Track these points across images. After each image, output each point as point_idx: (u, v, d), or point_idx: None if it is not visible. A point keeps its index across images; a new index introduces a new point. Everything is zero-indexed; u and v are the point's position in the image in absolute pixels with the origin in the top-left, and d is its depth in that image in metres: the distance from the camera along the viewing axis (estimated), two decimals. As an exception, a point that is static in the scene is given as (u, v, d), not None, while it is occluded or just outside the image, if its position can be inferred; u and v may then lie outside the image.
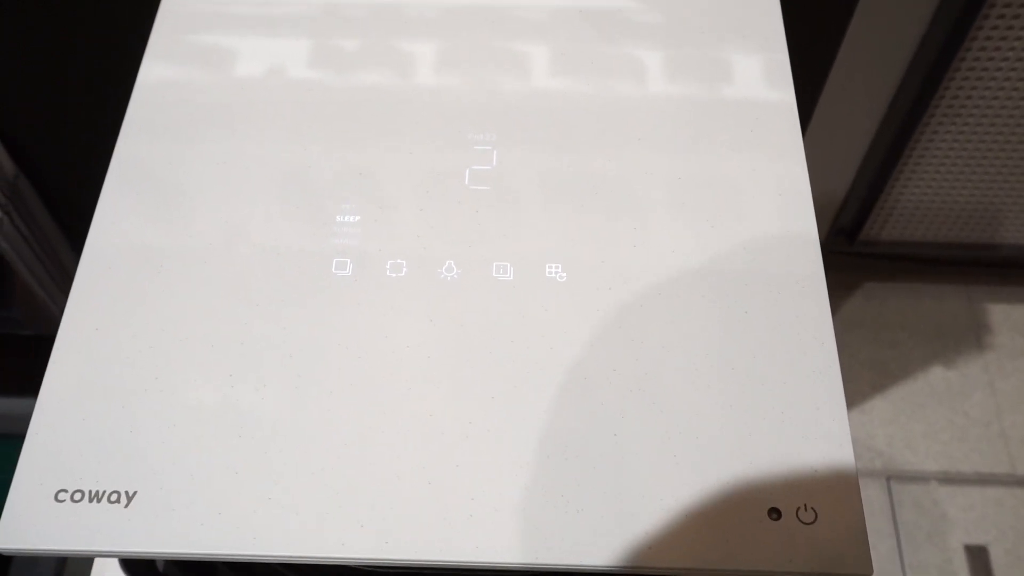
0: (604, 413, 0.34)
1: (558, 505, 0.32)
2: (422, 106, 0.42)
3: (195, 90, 0.43)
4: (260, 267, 0.38)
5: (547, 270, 0.38)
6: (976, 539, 1.14)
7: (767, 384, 0.35)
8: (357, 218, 0.39)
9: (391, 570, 0.36)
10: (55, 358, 0.36)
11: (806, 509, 0.32)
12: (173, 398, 0.35)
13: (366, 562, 0.32)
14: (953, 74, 0.93)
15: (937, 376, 1.26)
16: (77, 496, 0.33)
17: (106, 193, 0.39)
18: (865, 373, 1.26)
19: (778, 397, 0.35)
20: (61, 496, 0.33)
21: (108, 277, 0.38)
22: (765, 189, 0.40)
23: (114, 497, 0.33)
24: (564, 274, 0.38)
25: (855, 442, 1.20)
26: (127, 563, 0.39)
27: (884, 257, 1.25)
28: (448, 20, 0.45)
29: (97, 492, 0.33)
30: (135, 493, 0.33)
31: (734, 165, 0.40)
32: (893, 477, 1.19)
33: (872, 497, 1.18)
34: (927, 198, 1.12)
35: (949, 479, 1.19)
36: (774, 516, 0.32)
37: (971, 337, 1.28)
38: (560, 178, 0.40)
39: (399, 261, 0.38)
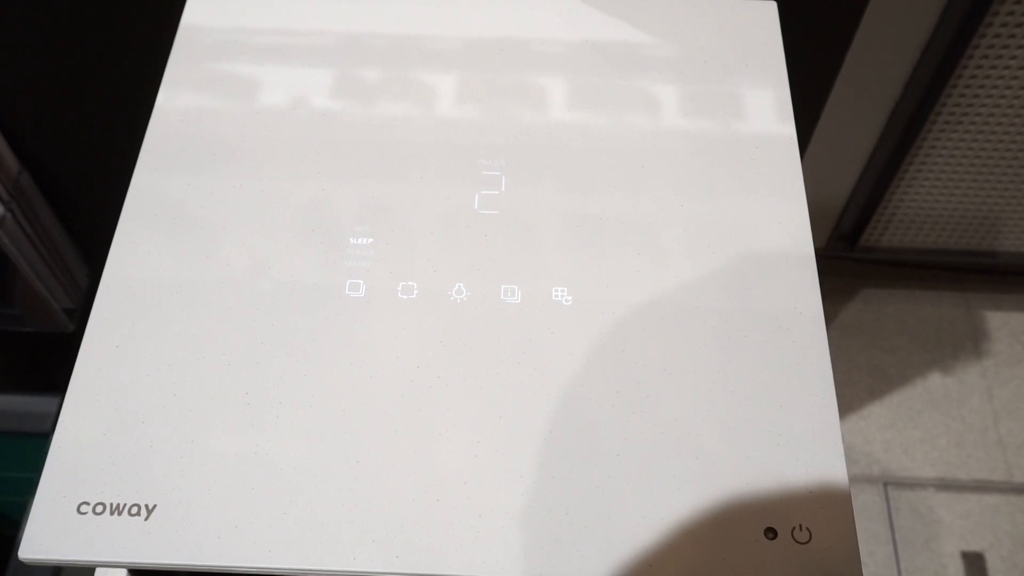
0: (607, 433, 0.36)
1: (562, 523, 0.34)
2: (435, 134, 0.44)
3: (212, 118, 0.44)
4: (275, 289, 0.39)
5: (553, 293, 0.39)
6: (972, 546, 1.15)
7: (764, 409, 0.36)
8: (370, 240, 0.40)
9: None
10: (77, 374, 0.37)
11: (801, 529, 0.34)
12: (191, 415, 0.36)
13: None
14: (955, 82, 0.94)
15: (935, 382, 1.27)
16: (99, 509, 0.34)
17: (125, 219, 0.41)
18: (863, 378, 1.27)
19: (775, 422, 0.36)
20: (83, 509, 0.34)
21: (128, 299, 0.39)
22: (765, 220, 0.41)
23: (134, 510, 0.34)
24: (570, 298, 0.39)
25: (852, 447, 1.21)
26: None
27: (884, 263, 1.26)
28: (466, 53, 0.46)
29: (118, 505, 0.34)
30: (155, 506, 0.34)
31: (735, 196, 0.42)
32: (890, 483, 1.20)
33: (869, 503, 1.19)
34: (927, 205, 1.12)
35: (946, 485, 1.20)
36: (770, 536, 0.34)
37: (969, 344, 1.29)
38: (567, 205, 0.42)
39: (410, 283, 0.39)
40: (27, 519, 0.63)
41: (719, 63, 0.46)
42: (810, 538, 0.34)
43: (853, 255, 1.21)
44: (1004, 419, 1.24)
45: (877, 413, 1.24)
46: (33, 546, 0.33)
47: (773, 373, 0.37)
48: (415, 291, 0.39)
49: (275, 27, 0.47)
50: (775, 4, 0.48)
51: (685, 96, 0.45)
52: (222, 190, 0.42)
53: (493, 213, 0.41)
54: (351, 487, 0.34)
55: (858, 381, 1.26)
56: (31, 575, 0.71)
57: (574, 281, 0.39)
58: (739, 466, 0.35)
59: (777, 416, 0.36)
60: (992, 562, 1.13)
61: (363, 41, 0.47)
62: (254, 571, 0.33)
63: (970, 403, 1.25)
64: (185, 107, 0.45)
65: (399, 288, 0.39)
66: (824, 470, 0.35)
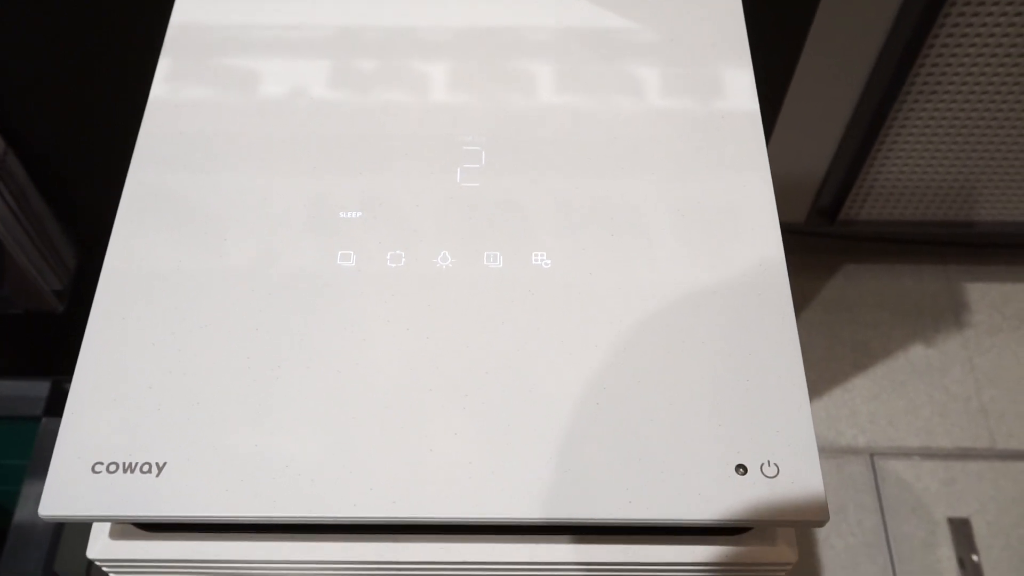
0: (588, 384, 0.38)
1: (546, 466, 0.36)
2: (421, 118, 0.46)
3: (203, 107, 0.47)
4: (270, 261, 0.41)
5: (533, 258, 0.42)
6: (958, 512, 1.17)
7: (735, 357, 0.39)
8: (359, 214, 0.43)
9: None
10: (87, 343, 0.39)
11: (769, 464, 0.36)
12: (195, 379, 0.38)
13: (375, 521, 0.36)
14: (927, 51, 0.95)
15: (917, 354, 1.29)
16: (112, 468, 0.36)
17: (125, 203, 0.43)
18: (847, 352, 1.29)
19: (745, 369, 0.38)
20: (97, 468, 0.36)
21: (132, 277, 0.41)
22: (732, 188, 0.43)
23: (146, 468, 0.36)
24: (549, 261, 0.41)
25: (838, 420, 1.24)
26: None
27: (864, 238, 1.28)
28: (450, 42, 0.48)
29: (130, 464, 0.36)
30: (165, 464, 0.36)
31: (701, 168, 0.44)
32: (876, 453, 1.22)
33: (856, 473, 1.21)
34: (904, 176, 1.14)
35: (931, 454, 1.22)
36: (740, 471, 0.36)
37: (950, 315, 1.32)
38: (545, 178, 0.44)
39: (398, 252, 0.42)
40: (18, 506, 0.65)
41: (687, 45, 0.48)
42: (778, 472, 0.36)
43: (833, 230, 1.23)
44: (986, 388, 1.26)
45: (861, 386, 1.27)
46: (51, 504, 0.36)
47: (744, 329, 0.39)
48: (403, 259, 0.42)
49: (264, 22, 0.49)
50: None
51: (656, 78, 0.47)
52: (217, 172, 0.44)
53: (474, 186, 0.44)
54: (349, 440, 0.37)
55: (842, 356, 1.29)
56: (23, 568, 0.71)
57: (552, 246, 0.42)
58: (712, 411, 0.37)
59: (747, 365, 0.38)
60: (978, 527, 1.16)
61: (354, 33, 0.49)
62: (261, 520, 0.36)
63: (952, 373, 1.27)
64: (178, 98, 0.47)
65: (388, 257, 0.42)
66: (789, 412, 0.37)
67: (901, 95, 1.00)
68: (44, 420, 0.79)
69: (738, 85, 0.47)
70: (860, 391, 1.27)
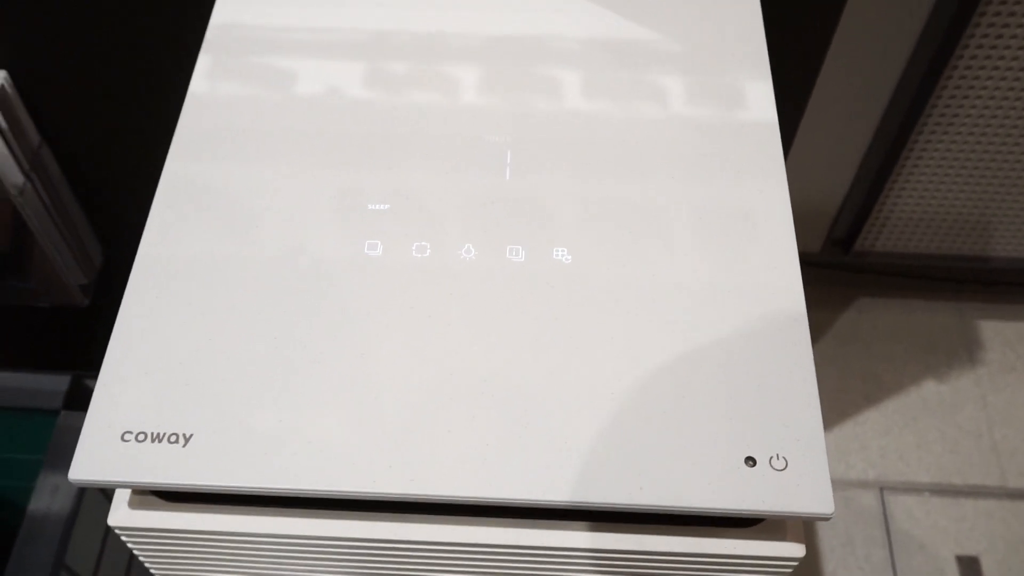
0: (603, 375, 0.39)
1: (559, 452, 0.37)
2: (450, 117, 0.48)
3: (240, 103, 0.48)
4: (300, 248, 0.43)
5: (554, 253, 0.43)
6: (967, 550, 1.17)
7: (747, 354, 0.40)
8: (387, 207, 0.44)
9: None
10: (121, 319, 0.41)
11: (778, 458, 0.37)
12: (224, 356, 0.40)
13: (392, 497, 0.37)
14: (946, 81, 0.96)
15: (930, 389, 1.29)
16: (140, 437, 0.37)
17: (161, 192, 0.45)
18: (859, 385, 1.29)
19: (757, 366, 0.39)
20: (127, 437, 0.37)
21: (166, 260, 0.43)
22: (747, 195, 0.45)
23: (173, 439, 0.37)
24: (569, 257, 0.43)
25: (849, 453, 1.24)
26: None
27: (879, 270, 1.29)
28: (479, 48, 0.50)
29: (158, 434, 0.38)
30: (191, 436, 0.37)
31: (718, 174, 0.46)
32: (886, 488, 1.22)
33: (865, 507, 1.21)
34: (921, 208, 1.14)
35: (941, 490, 1.22)
36: (750, 463, 0.37)
37: (963, 352, 1.32)
38: (568, 177, 0.45)
39: (423, 243, 0.43)
40: (33, 497, 0.65)
41: (708, 56, 0.50)
42: (786, 466, 0.37)
43: (848, 260, 1.23)
44: (998, 425, 1.26)
45: (873, 419, 1.27)
46: (81, 469, 0.37)
47: (754, 323, 0.41)
48: (427, 250, 0.43)
49: (301, 24, 0.51)
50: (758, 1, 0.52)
51: (678, 86, 0.49)
52: (250, 163, 0.46)
53: (499, 183, 0.45)
54: (370, 420, 0.38)
55: (854, 388, 1.29)
56: (34, 559, 0.72)
57: (573, 243, 0.43)
58: (723, 403, 0.38)
59: (761, 363, 0.40)
60: (987, 566, 1.15)
61: (387, 37, 0.51)
62: (281, 492, 0.37)
63: (965, 410, 1.27)
64: (216, 94, 0.49)
65: (413, 248, 0.43)
66: (799, 408, 0.38)
67: (919, 125, 1.01)
68: (63, 414, 0.79)
69: (757, 95, 0.48)
70: (871, 424, 1.27)
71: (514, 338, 0.40)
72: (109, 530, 0.77)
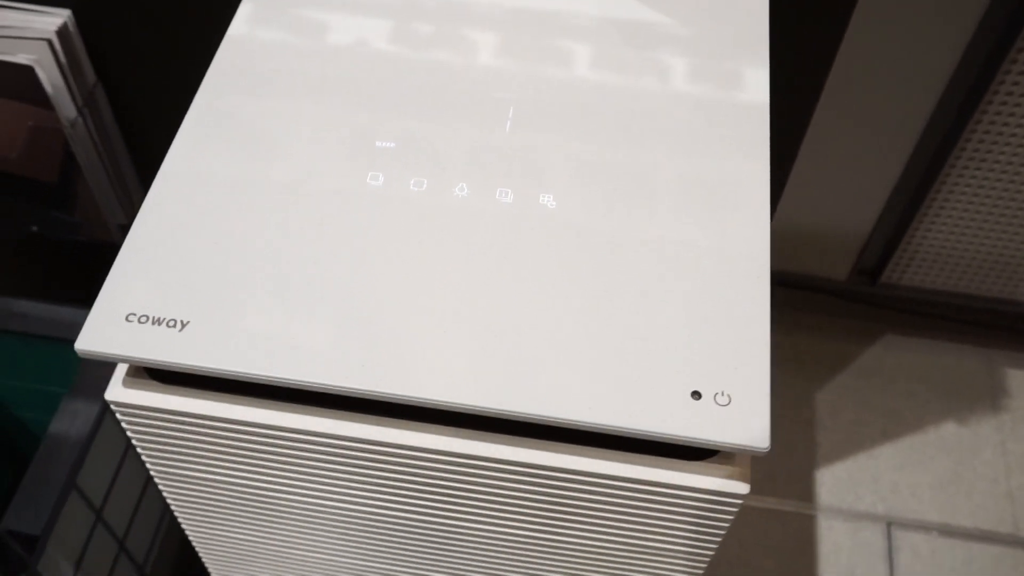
0: (568, 304, 0.42)
1: (519, 365, 0.40)
2: (463, 73, 0.51)
3: (273, 47, 0.53)
4: (310, 174, 0.47)
5: (541, 198, 0.46)
6: (972, 594, 1.16)
7: (707, 299, 0.43)
8: (393, 145, 0.48)
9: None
10: (139, 219, 0.45)
11: (723, 395, 0.40)
12: (229, 259, 0.44)
13: (380, 396, 0.40)
14: (980, 116, 0.96)
15: (949, 430, 1.28)
16: (142, 319, 0.41)
17: (189, 119, 0.49)
18: (877, 419, 1.29)
19: (716, 313, 0.42)
20: (130, 318, 0.41)
21: (188, 172, 0.47)
22: (728, 171, 0.48)
23: (171, 323, 0.41)
24: (555, 203, 0.46)
25: (859, 484, 1.24)
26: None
27: (905, 305, 1.29)
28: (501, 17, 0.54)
29: (158, 318, 0.41)
30: (188, 323, 0.41)
31: (704, 148, 0.49)
32: (894, 523, 1.21)
33: (870, 540, 1.20)
34: (950, 244, 1.14)
35: (950, 531, 1.21)
36: (696, 397, 0.40)
37: (987, 398, 1.31)
38: (563, 133, 0.49)
39: (421, 179, 0.47)
40: (54, 419, 0.66)
41: (711, 41, 0.53)
42: (729, 402, 0.39)
43: (875, 292, 1.24)
44: (1016, 473, 1.25)
45: (888, 454, 1.26)
46: (87, 341, 0.41)
47: (720, 273, 0.43)
48: (424, 185, 0.46)
49: None
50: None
51: (680, 66, 0.52)
52: (274, 100, 0.50)
53: (500, 135, 0.49)
54: (351, 323, 0.42)
55: (871, 422, 1.28)
56: (49, 479, 0.72)
57: (560, 192, 0.46)
58: (679, 340, 0.41)
59: (716, 306, 0.42)
60: (991, 613, 1.14)
61: (418, 2, 0.55)
62: (269, 380, 0.40)
63: (983, 454, 1.26)
64: (251, 38, 0.53)
65: (411, 182, 0.47)
66: (750, 352, 0.41)
67: (952, 158, 1.01)
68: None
69: (753, 80, 0.51)
70: (885, 459, 1.26)
71: (492, 266, 0.43)
72: (123, 458, 0.81)
